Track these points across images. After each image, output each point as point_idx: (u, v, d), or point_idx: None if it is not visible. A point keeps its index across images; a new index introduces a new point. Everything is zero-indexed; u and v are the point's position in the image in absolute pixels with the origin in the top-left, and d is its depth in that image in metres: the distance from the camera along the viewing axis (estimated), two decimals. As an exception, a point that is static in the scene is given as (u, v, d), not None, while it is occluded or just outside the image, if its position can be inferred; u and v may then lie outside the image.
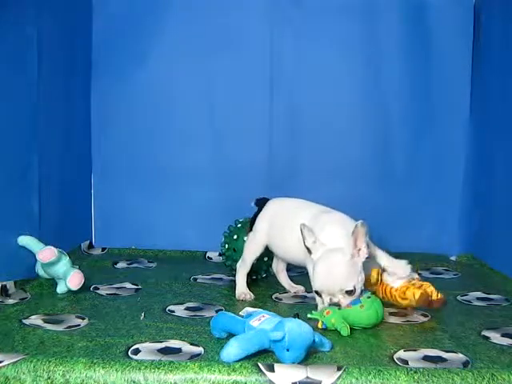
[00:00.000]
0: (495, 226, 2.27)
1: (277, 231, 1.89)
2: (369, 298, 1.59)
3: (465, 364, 1.35)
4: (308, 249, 1.65)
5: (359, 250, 1.62)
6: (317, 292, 1.63)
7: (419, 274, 1.91)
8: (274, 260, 2.06)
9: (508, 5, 2.20)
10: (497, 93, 2.28)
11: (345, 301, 1.58)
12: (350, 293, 1.58)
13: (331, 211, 1.79)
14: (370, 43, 2.53)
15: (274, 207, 1.96)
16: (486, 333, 1.58)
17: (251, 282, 2.10)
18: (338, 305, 1.58)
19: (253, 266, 2.02)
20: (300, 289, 2.01)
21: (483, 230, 2.39)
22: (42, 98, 2.10)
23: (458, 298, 1.95)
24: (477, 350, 1.44)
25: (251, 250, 1.97)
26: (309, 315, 1.55)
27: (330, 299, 1.59)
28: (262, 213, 1.97)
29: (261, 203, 2.01)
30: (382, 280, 1.78)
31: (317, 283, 1.62)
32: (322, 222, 1.71)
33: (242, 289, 1.94)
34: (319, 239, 1.64)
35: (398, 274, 1.76)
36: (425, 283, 1.79)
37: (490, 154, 2.33)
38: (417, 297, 1.69)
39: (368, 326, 1.56)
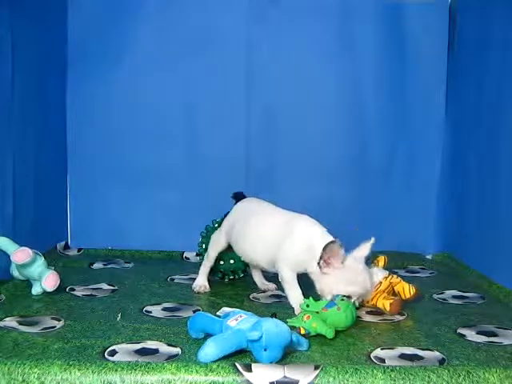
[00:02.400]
0: (470, 225, 2.29)
1: (239, 232, 1.91)
2: (342, 300, 1.59)
3: (441, 362, 1.36)
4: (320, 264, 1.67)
5: None
6: (347, 297, 1.64)
7: (395, 273, 1.93)
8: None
9: (483, 5, 2.23)
10: (472, 93, 2.30)
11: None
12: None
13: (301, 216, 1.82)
14: (346, 43, 2.54)
15: (239, 209, 1.99)
16: (461, 330, 1.59)
17: (229, 283, 2.11)
18: (349, 297, 1.64)
19: (231, 265, 2.07)
20: (270, 287, 2.02)
21: (459, 229, 2.41)
22: (17, 98, 2.08)
23: (434, 296, 1.96)
24: (453, 348, 1.45)
25: (213, 245, 2.02)
26: (288, 323, 1.49)
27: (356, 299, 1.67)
28: (230, 213, 2.00)
29: (238, 197, 2.04)
30: None
31: (355, 289, 1.66)
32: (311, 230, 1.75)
33: (199, 281, 2.01)
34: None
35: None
36: (393, 280, 1.80)
37: (466, 153, 2.35)
38: (388, 309, 1.71)
39: (344, 328, 1.55)
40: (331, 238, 1.66)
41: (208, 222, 2.19)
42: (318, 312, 1.56)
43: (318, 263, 1.65)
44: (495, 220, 2.04)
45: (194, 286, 1.99)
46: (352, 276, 1.66)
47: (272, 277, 2.05)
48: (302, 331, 1.50)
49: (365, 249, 1.74)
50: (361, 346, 1.46)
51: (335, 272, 1.65)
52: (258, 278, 2.06)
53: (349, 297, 1.63)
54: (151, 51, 2.54)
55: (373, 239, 1.73)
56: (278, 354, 1.32)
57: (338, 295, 1.62)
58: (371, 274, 1.79)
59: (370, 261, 1.75)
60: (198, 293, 1.96)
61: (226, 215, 2.03)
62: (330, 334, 1.49)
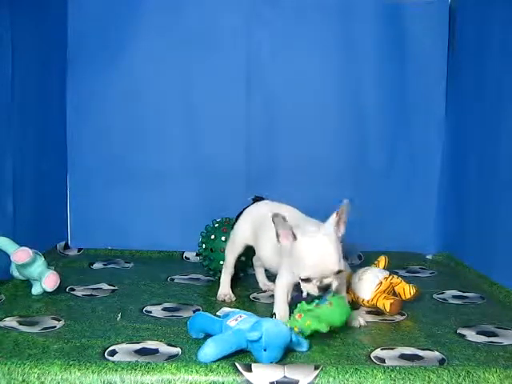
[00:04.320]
0: (470, 225, 2.29)
1: (265, 241, 1.81)
2: (333, 295, 1.53)
3: (441, 362, 1.36)
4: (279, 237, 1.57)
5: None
6: (305, 279, 1.52)
7: (395, 273, 1.94)
8: (255, 255, 2.04)
9: (483, 5, 2.22)
10: (472, 93, 2.30)
11: (336, 281, 1.51)
12: (339, 272, 1.52)
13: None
14: (345, 43, 2.54)
15: (260, 211, 1.90)
16: (461, 331, 1.59)
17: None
18: (329, 286, 1.50)
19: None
20: (271, 287, 2.01)
21: (459, 229, 2.41)
22: (17, 98, 2.08)
23: (434, 296, 1.96)
24: (453, 348, 1.45)
25: (230, 250, 1.96)
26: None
27: (321, 281, 1.51)
28: (244, 215, 1.95)
29: (257, 201, 1.98)
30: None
31: (308, 269, 1.50)
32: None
33: (222, 289, 1.93)
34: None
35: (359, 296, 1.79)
36: (394, 281, 1.80)
37: (465, 153, 2.35)
38: (388, 309, 1.71)
39: (340, 324, 1.51)
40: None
41: (208, 222, 2.18)
42: (310, 310, 1.51)
43: (277, 239, 1.56)
44: (495, 220, 2.04)
45: (218, 296, 1.91)
46: (304, 256, 1.51)
47: (273, 277, 2.05)
48: (296, 329, 1.47)
49: (334, 216, 1.56)
50: (361, 346, 1.46)
51: (291, 252, 1.54)
52: (261, 277, 2.06)
53: (307, 279, 1.51)
54: (151, 51, 2.54)
55: (346, 201, 1.55)
56: (278, 354, 1.32)
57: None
58: (370, 271, 1.79)
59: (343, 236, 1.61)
60: (223, 301, 1.88)
61: (238, 216, 1.97)
62: (324, 328, 1.46)
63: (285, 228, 1.54)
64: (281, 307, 1.64)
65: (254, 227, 1.87)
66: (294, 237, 1.54)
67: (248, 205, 1.98)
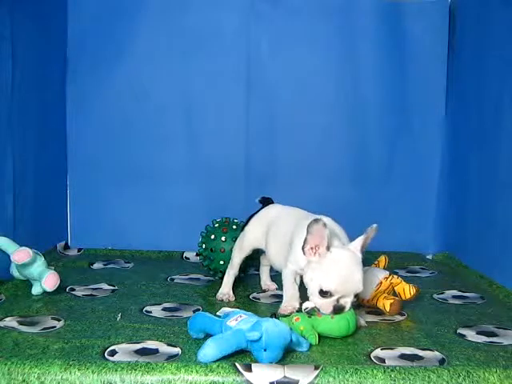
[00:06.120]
0: (470, 225, 2.29)
1: (272, 239, 1.83)
2: None
3: (441, 362, 1.36)
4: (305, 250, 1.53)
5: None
6: (325, 292, 1.49)
7: (395, 273, 1.94)
8: (263, 254, 2.04)
9: (483, 6, 2.23)
10: (472, 93, 2.30)
11: (350, 305, 1.51)
12: (357, 295, 1.54)
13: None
14: (346, 43, 2.54)
15: (271, 214, 1.90)
16: (461, 331, 1.59)
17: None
18: (343, 309, 1.50)
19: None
20: (271, 287, 2.01)
21: (459, 229, 2.41)
22: (17, 98, 2.07)
23: (435, 296, 1.96)
24: (453, 348, 1.45)
25: (237, 251, 1.95)
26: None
27: (338, 301, 1.50)
28: (256, 217, 1.94)
29: (266, 202, 1.98)
30: None
31: (333, 284, 1.48)
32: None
33: (223, 289, 1.93)
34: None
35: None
36: (394, 281, 1.80)
37: (465, 154, 2.35)
38: (388, 309, 1.71)
39: (338, 337, 1.50)
40: (318, 217, 1.53)
41: (208, 222, 2.18)
42: (310, 316, 1.51)
43: (303, 248, 1.52)
44: (495, 220, 2.04)
45: (218, 294, 1.91)
46: (334, 269, 1.49)
47: (275, 276, 2.05)
48: None
49: (363, 238, 1.57)
50: (361, 345, 1.46)
51: (320, 262, 1.51)
52: (264, 277, 2.05)
53: (327, 293, 1.48)
54: (151, 51, 2.54)
55: (375, 226, 1.57)
56: (278, 354, 1.31)
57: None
58: (370, 271, 1.79)
59: (364, 254, 1.61)
60: (222, 301, 1.87)
61: (249, 219, 1.96)
62: (312, 340, 1.45)
63: (321, 236, 1.50)
64: (289, 288, 1.64)
65: (266, 230, 1.86)
66: (328, 247, 1.52)
67: (260, 208, 1.97)
